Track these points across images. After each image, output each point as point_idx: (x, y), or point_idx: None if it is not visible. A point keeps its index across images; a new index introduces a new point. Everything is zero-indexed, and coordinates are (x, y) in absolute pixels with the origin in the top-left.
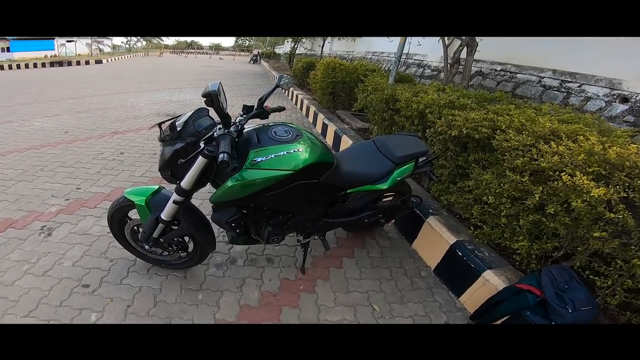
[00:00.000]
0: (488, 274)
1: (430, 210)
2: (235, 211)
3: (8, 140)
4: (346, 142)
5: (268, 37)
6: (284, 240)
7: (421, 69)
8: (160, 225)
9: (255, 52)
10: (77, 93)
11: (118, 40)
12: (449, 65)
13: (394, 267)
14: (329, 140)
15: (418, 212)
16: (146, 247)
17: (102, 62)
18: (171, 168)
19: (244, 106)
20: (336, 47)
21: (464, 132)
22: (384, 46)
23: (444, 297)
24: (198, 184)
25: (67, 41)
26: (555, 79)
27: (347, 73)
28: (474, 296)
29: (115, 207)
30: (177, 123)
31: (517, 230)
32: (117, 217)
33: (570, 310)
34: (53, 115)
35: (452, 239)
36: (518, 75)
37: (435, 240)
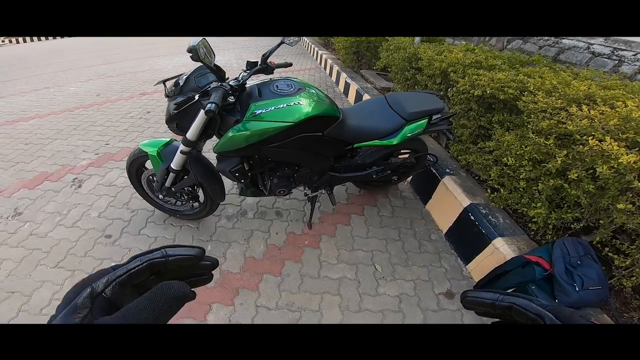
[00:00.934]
0: (498, 242)
1: (447, 170)
2: (239, 161)
3: (46, 105)
4: None
5: None
6: (293, 195)
7: None
8: (171, 174)
9: None
10: (109, 59)
11: None
12: None
13: (403, 228)
14: (351, 99)
15: (434, 171)
16: (160, 196)
17: None
18: (176, 120)
19: (248, 62)
20: None
21: (488, 92)
22: None
23: (451, 264)
24: (203, 135)
25: None
26: (607, 46)
27: None
28: (482, 264)
29: (132, 157)
30: (179, 80)
31: (536, 196)
32: (134, 167)
33: (577, 289)
34: (86, 80)
35: (466, 201)
36: (564, 40)
37: (449, 201)
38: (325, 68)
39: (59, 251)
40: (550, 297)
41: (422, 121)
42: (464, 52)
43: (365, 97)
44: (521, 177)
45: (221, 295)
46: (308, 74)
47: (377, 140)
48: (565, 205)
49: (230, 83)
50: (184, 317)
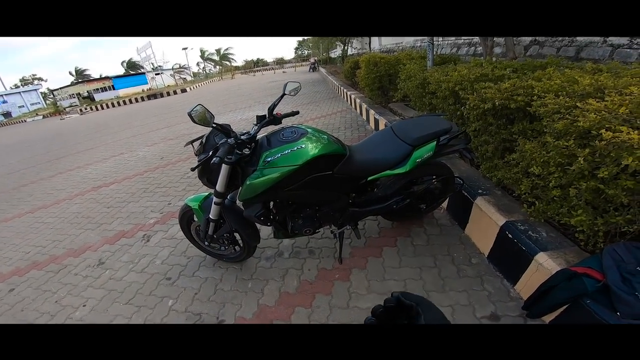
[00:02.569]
0: (541, 257)
1: (480, 191)
2: (261, 206)
3: (122, 170)
4: None
5: (321, 43)
6: (325, 234)
7: (472, 48)
8: (212, 224)
9: (312, 60)
10: (168, 122)
11: (196, 68)
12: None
13: (439, 255)
14: None
15: (466, 194)
16: (206, 243)
17: (186, 91)
18: (207, 175)
19: (257, 116)
20: (385, 41)
21: (498, 103)
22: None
23: (495, 286)
24: (230, 186)
25: (156, 74)
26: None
27: (390, 65)
28: (529, 283)
29: (181, 212)
30: (203, 140)
31: (575, 203)
32: (184, 220)
33: None
34: (152, 144)
35: (501, 220)
36: (578, 38)
37: (485, 223)
38: (355, 108)
39: (130, 291)
40: (610, 310)
41: (430, 144)
42: (469, 68)
43: None
44: (552, 185)
45: None
46: (340, 116)
47: (388, 171)
48: (612, 208)
49: (242, 137)
50: None
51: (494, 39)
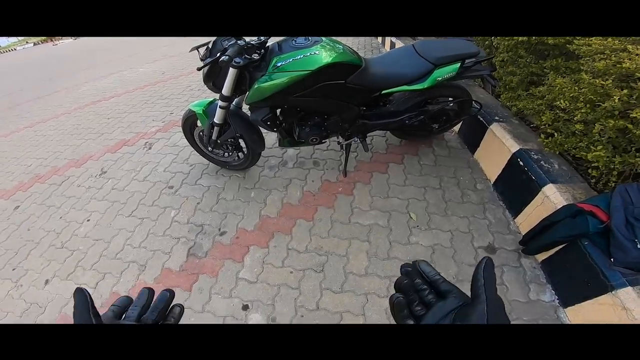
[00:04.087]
0: (549, 189)
1: (497, 118)
2: (269, 111)
3: (122, 85)
4: None
5: None
6: (330, 145)
7: None
8: (216, 128)
9: None
10: (171, 41)
11: None
12: None
13: (445, 177)
14: None
15: (481, 119)
16: (209, 149)
17: None
18: (212, 79)
19: None
20: None
21: (534, 37)
22: None
23: (496, 216)
24: (237, 90)
25: None
26: None
27: None
28: (531, 217)
29: (185, 117)
30: (209, 44)
31: (596, 139)
32: (187, 125)
33: (638, 245)
34: (153, 62)
35: (515, 147)
36: None
37: (497, 149)
38: None
39: (133, 202)
40: (605, 254)
41: (453, 65)
42: None
43: None
44: (576, 119)
45: (258, 238)
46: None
47: (405, 86)
48: (634, 149)
49: (252, 42)
50: (225, 257)
51: None
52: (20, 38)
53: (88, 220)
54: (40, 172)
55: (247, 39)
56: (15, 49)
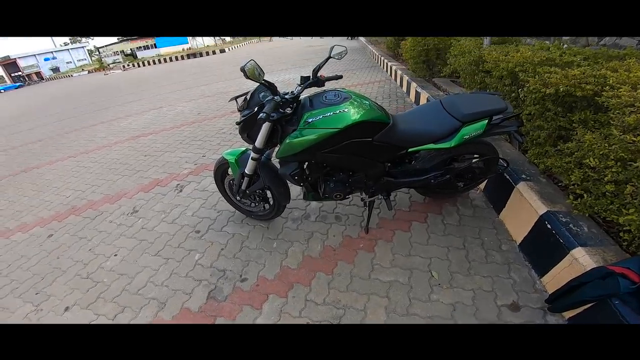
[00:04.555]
0: (578, 252)
1: (524, 176)
2: (297, 166)
3: (160, 122)
4: None
5: None
6: (353, 201)
7: None
8: (246, 179)
9: None
10: (207, 80)
11: None
12: None
13: (470, 237)
14: None
15: (507, 177)
16: (238, 198)
17: (225, 51)
18: (247, 131)
19: (301, 77)
20: None
21: (562, 89)
22: None
23: (522, 275)
24: (269, 143)
25: None
26: None
27: (440, 39)
28: (558, 277)
29: (217, 164)
30: (247, 96)
31: (628, 201)
32: (219, 172)
33: None
34: (190, 100)
35: (542, 209)
36: None
37: (524, 210)
38: (395, 79)
39: (160, 242)
40: (636, 313)
41: (481, 122)
42: (534, 50)
43: None
44: (607, 179)
45: (278, 288)
46: (378, 85)
47: (431, 144)
48: None
49: (286, 96)
50: (244, 303)
51: None
52: (77, 65)
53: (115, 255)
54: (77, 205)
55: (282, 92)
56: (71, 76)
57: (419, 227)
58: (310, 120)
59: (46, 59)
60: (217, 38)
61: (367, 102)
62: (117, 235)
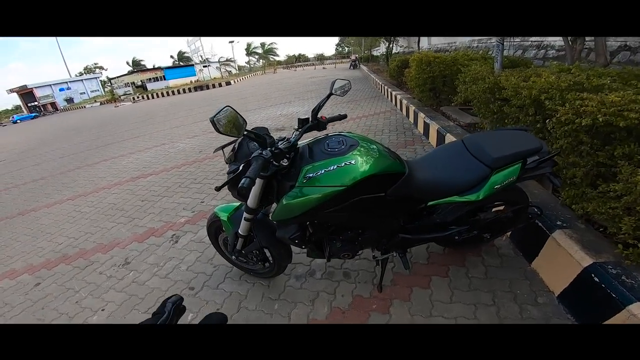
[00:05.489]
0: (636, 307)
1: (559, 222)
2: (297, 228)
3: (161, 161)
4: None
5: (363, 41)
6: (363, 254)
7: (542, 51)
8: (240, 239)
9: (353, 57)
10: (209, 115)
11: (242, 61)
12: (569, 41)
13: (499, 291)
14: (432, 141)
15: (540, 224)
16: (233, 257)
17: (231, 83)
18: (237, 188)
19: (299, 120)
20: (435, 40)
21: (601, 119)
22: None
23: None
24: (264, 201)
25: (204, 66)
26: None
27: (446, 66)
28: None
29: (210, 221)
30: (235, 145)
31: None
32: (212, 229)
33: None
34: (193, 137)
35: (586, 260)
36: None
37: (562, 260)
38: (401, 109)
39: (151, 298)
40: None
41: (514, 167)
42: (557, 73)
43: (449, 137)
44: None
45: None
46: (383, 117)
47: (455, 197)
48: None
49: (280, 146)
50: None
51: (585, 40)
52: (90, 96)
53: (102, 310)
54: (68, 253)
55: (276, 137)
56: (84, 107)
57: (440, 282)
58: (310, 175)
59: (61, 89)
60: (223, 70)
61: (376, 149)
62: (106, 288)
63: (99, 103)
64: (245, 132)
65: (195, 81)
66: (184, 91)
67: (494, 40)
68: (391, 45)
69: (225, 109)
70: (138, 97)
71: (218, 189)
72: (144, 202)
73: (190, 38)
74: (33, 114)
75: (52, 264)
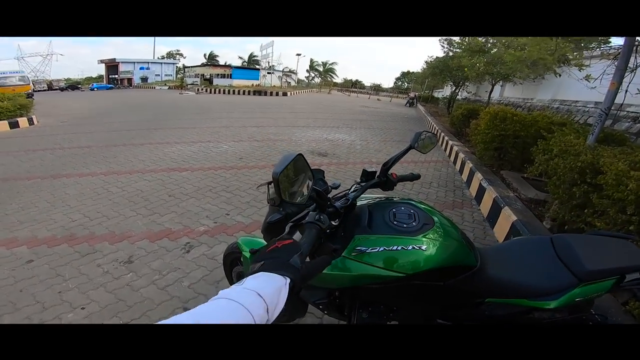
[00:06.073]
0: None
1: None
2: (325, 294)
3: (200, 159)
4: (506, 218)
5: (427, 81)
6: None
7: (638, 125)
8: None
9: (411, 94)
10: (260, 122)
11: (302, 75)
12: None
13: None
14: (484, 209)
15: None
16: None
17: (286, 95)
18: (271, 235)
19: (364, 171)
20: (509, 92)
21: None
22: (579, 93)
23: None
24: None
25: (268, 72)
26: None
27: (523, 126)
28: None
29: (229, 250)
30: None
31: None
32: (229, 259)
33: None
34: (238, 141)
35: None
36: None
37: None
38: (455, 162)
39: (139, 309)
40: None
41: (607, 282)
42: None
43: (506, 211)
44: None
45: None
46: (433, 167)
47: (524, 300)
48: None
49: (336, 204)
50: None
51: None
52: (163, 79)
53: (82, 309)
54: (76, 234)
55: (332, 192)
56: (154, 88)
57: None
58: (362, 248)
59: (141, 68)
60: (284, 80)
61: (454, 234)
62: (96, 285)
63: (167, 87)
64: (313, 193)
65: (256, 85)
66: (244, 93)
67: (591, 106)
68: (458, 89)
69: (296, 157)
70: (202, 89)
71: (266, 229)
72: (170, 197)
73: (264, 42)
74: (110, 85)
75: (56, 242)
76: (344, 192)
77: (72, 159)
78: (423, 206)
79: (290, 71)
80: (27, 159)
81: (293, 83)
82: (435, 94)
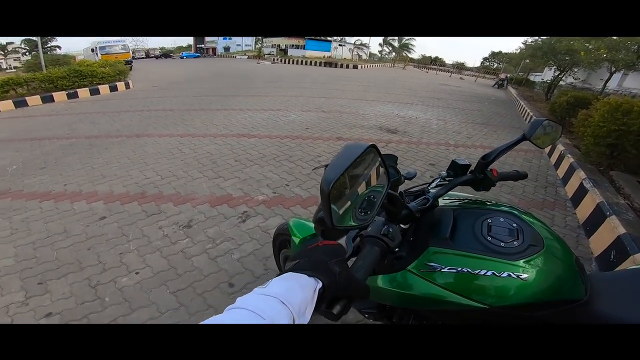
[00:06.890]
0: None
1: None
2: (376, 306)
3: (269, 126)
4: (611, 229)
5: (523, 62)
6: None
7: None
8: None
9: (502, 75)
10: (329, 93)
11: (374, 49)
12: None
13: None
14: (581, 214)
15: None
16: None
17: (357, 68)
18: (322, 228)
19: (453, 164)
20: (631, 82)
21: None
22: None
23: None
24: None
25: (339, 44)
26: None
27: None
28: None
29: (279, 230)
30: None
31: None
32: (279, 240)
33: None
34: (306, 110)
35: None
36: None
37: None
38: (550, 154)
39: (186, 280)
40: None
41: None
42: None
43: (610, 221)
44: None
45: None
46: (522, 158)
47: None
48: None
49: (411, 205)
50: None
51: None
52: (244, 49)
53: (137, 274)
54: (147, 192)
55: (406, 180)
56: (235, 57)
57: None
58: (436, 265)
59: (224, 38)
60: (354, 53)
61: (568, 262)
62: (154, 249)
63: (246, 57)
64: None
65: (327, 57)
66: (315, 64)
67: None
68: (562, 74)
69: (367, 150)
70: (277, 59)
71: (316, 221)
72: (236, 162)
73: None
74: (197, 54)
75: (128, 199)
76: (421, 187)
77: (156, 120)
78: (530, 219)
79: (362, 44)
80: (118, 119)
81: (364, 56)
82: (532, 77)
